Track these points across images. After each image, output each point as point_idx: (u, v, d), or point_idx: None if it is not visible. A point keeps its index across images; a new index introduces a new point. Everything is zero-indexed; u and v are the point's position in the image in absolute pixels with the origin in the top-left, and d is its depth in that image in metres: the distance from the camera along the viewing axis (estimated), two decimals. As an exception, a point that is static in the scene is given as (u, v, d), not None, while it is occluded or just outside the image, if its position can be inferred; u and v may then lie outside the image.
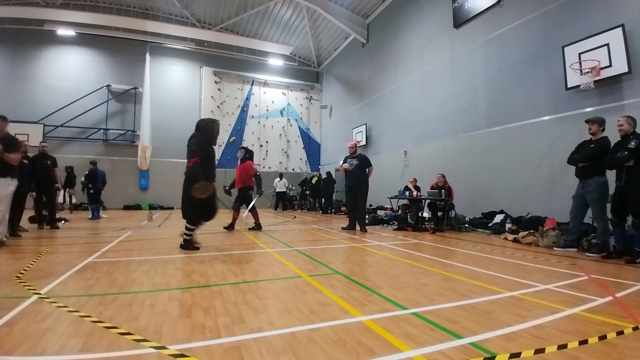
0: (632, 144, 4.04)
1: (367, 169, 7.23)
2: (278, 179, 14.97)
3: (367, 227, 7.42)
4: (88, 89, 14.46)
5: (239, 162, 7.16)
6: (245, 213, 6.97)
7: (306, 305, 2.35)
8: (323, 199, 14.09)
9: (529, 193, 6.87)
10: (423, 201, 7.91)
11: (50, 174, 7.25)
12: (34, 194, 6.93)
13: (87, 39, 14.61)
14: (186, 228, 4.54)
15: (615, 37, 5.41)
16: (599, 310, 2.29)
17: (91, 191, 9.54)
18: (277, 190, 14.93)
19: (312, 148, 18.76)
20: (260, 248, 4.92)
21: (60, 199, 10.21)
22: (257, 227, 7.06)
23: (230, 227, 6.84)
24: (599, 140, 4.59)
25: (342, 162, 7.52)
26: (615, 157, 4.20)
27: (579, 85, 5.82)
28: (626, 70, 5.31)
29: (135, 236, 6.10)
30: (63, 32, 14.06)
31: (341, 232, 7.04)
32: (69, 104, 14.01)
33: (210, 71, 16.81)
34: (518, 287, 2.85)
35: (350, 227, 7.35)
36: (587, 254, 4.57)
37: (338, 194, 14.29)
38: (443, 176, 7.74)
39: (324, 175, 14.37)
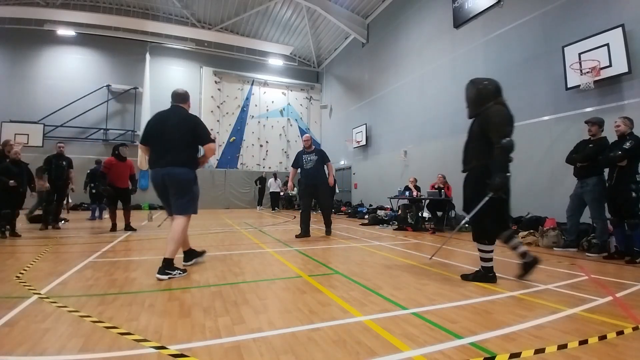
0: (627, 145, 4.11)
1: (325, 165, 6.36)
2: (272, 178, 14.99)
3: (366, 227, 7.28)
4: (88, 89, 14.45)
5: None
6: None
7: (306, 305, 2.35)
8: None
9: (529, 193, 6.86)
10: (423, 201, 7.91)
11: (66, 175, 7.23)
12: (38, 192, 6.93)
13: (87, 39, 14.60)
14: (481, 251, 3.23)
15: (615, 37, 5.39)
16: (599, 310, 2.29)
17: (93, 191, 9.37)
18: (271, 190, 14.94)
19: (312, 148, 18.74)
20: (260, 248, 4.92)
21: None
22: (113, 228, 6.75)
23: (113, 229, 6.67)
24: (598, 141, 4.59)
25: (294, 158, 6.56)
26: (609, 156, 4.27)
27: (579, 85, 5.82)
28: (626, 70, 5.30)
29: (135, 236, 6.10)
30: (63, 32, 14.05)
31: (340, 233, 7.03)
32: (69, 104, 14.00)
33: (210, 71, 16.80)
34: (518, 287, 2.86)
35: (304, 234, 6.04)
36: (587, 254, 4.57)
37: (338, 194, 14.31)
38: (443, 177, 7.74)
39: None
